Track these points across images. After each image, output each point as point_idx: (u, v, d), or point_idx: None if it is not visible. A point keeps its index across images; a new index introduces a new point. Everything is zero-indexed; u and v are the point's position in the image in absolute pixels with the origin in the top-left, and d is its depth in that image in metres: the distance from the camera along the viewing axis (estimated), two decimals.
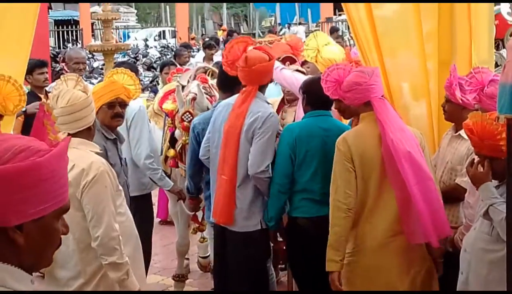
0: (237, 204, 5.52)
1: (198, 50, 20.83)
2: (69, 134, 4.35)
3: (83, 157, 4.34)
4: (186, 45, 16.51)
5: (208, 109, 6.39)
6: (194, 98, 6.54)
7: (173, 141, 6.82)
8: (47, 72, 8.01)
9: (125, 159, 5.68)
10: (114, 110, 5.45)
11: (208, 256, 7.71)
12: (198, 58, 13.21)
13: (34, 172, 1.84)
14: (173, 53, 13.97)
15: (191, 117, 6.44)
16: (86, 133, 4.49)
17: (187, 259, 7.72)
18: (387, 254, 4.70)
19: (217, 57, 12.99)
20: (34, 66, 7.51)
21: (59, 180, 1.92)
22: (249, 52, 5.57)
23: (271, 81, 5.91)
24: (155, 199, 9.88)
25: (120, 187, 4.65)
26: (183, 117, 6.52)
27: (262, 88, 5.63)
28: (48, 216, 1.91)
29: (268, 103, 5.70)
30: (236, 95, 5.68)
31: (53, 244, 1.98)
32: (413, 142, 4.64)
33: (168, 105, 6.90)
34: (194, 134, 6.07)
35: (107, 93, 5.41)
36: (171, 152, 6.84)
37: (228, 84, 5.95)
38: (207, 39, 20.14)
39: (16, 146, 1.84)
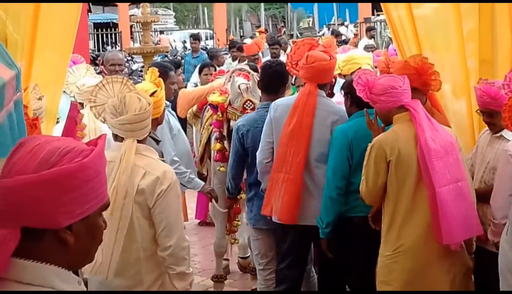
0: (311, 200, 5.52)
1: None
2: (138, 141, 4.27)
3: (154, 165, 4.29)
4: (235, 43, 16.50)
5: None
6: (248, 88, 6.58)
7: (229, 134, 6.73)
8: None
9: None
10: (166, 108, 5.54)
11: (248, 256, 7.72)
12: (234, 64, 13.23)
13: (81, 173, 1.86)
14: (209, 55, 13.97)
15: (253, 105, 6.45)
16: (147, 139, 4.47)
17: (227, 259, 7.74)
18: (427, 255, 4.68)
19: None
20: None
21: (102, 179, 1.95)
22: (311, 51, 5.66)
23: (332, 82, 5.88)
24: (194, 200, 9.96)
25: None
26: (245, 106, 6.51)
27: (322, 88, 5.64)
28: (93, 214, 1.94)
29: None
30: (292, 96, 5.76)
31: (98, 240, 2.01)
32: (447, 142, 4.63)
33: (216, 98, 6.83)
34: (238, 136, 6.08)
35: (164, 94, 5.42)
36: (217, 146, 6.81)
37: (272, 86, 5.97)
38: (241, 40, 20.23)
39: (60, 148, 1.87)
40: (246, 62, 12.18)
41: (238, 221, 7.26)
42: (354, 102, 5.34)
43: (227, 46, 19.78)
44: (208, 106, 7.16)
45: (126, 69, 11.09)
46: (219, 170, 6.93)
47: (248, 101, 6.52)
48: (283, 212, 5.56)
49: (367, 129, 5.07)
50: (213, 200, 7.04)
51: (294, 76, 6.99)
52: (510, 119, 4.38)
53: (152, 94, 5.30)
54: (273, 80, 5.98)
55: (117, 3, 38.71)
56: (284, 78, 6.17)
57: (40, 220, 1.83)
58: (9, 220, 1.81)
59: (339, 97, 6.01)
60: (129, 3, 37.45)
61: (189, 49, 22.99)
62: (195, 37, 17.50)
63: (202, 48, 26.30)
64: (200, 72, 10.11)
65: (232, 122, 6.60)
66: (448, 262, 4.69)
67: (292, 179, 5.51)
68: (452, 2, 5.33)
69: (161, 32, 38.74)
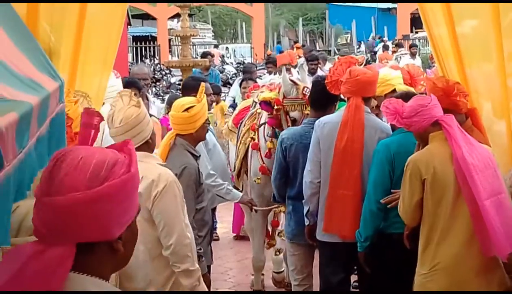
0: None
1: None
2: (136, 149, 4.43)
3: (151, 169, 4.45)
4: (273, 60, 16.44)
5: None
6: (297, 79, 6.70)
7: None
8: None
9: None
10: (207, 125, 5.66)
11: (283, 271, 7.71)
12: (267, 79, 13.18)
13: (130, 183, 1.90)
14: (243, 70, 13.93)
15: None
16: (145, 147, 4.57)
17: (262, 274, 7.74)
18: (464, 274, 4.63)
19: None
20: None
21: (137, 187, 2.00)
22: (352, 67, 5.65)
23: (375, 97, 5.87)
24: (230, 214, 9.97)
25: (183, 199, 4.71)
26: (304, 92, 6.49)
27: (366, 103, 5.64)
28: (134, 219, 1.99)
29: None
30: (337, 113, 5.72)
31: (136, 241, 2.05)
32: (484, 155, 4.60)
33: (268, 94, 6.77)
34: (282, 148, 6.09)
35: (206, 110, 5.55)
36: (269, 144, 6.78)
37: (321, 102, 5.96)
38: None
39: (105, 161, 1.88)
40: (277, 75, 12.22)
41: (280, 232, 7.24)
42: None
43: (265, 61, 19.79)
44: (244, 121, 7.18)
45: (149, 82, 11.13)
46: (255, 181, 6.92)
47: (305, 88, 6.52)
48: (347, 229, 5.55)
49: (409, 144, 5.06)
50: (251, 213, 7.05)
51: None
52: None
53: (186, 109, 5.37)
54: (322, 97, 5.96)
55: (156, 16, 39.05)
56: (333, 95, 6.01)
57: (96, 234, 1.85)
58: (65, 237, 1.82)
59: None
60: (168, 17, 37.74)
61: (227, 63, 23.09)
62: (205, 54, 17.00)
63: (240, 63, 26.30)
64: (240, 86, 10.20)
65: (291, 113, 6.55)
66: (486, 281, 4.64)
67: (351, 195, 5.52)
68: (490, 1, 5.28)
69: (216, 46, 38.91)
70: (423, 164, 4.67)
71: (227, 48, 39.32)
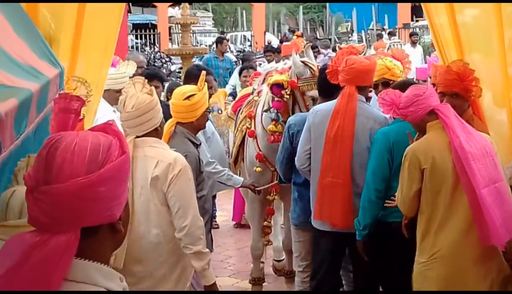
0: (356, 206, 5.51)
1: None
2: (137, 136, 4.55)
3: (165, 153, 4.59)
4: (272, 48, 16.33)
5: None
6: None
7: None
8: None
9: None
10: (208, 114, 5.70)
11: (283, 259, 7.72)
12: (267, 66, 13.07)
13: (126, 163, 1.90)
14: (242, 58, 13.85)
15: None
16: (154, 134, 4.65)
17: (262, 262, 7.74)
18: (463, 262, 4.63)
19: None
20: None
21: (126, 179, 1.97)
22: (350, 56, 5.68)
23: (371, 87, 5.88)
24: (230, 202, 9.98)
25: None
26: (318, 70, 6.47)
27: (362, 92, 5.65)
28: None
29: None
30: (332, 101, 5.70)
31: (129, 220, 2.06)
32: (482, 144, 4.58)
33: (280, 77, 6.68)
34: (289, 134, 6.10)
35: (207, 99, 5.58)
36: (272, 127, 6.69)
37: (328, 89, 5.94)
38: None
39: (100, 144, 1.86)
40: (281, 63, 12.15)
41: (270, 222, 7.26)
42: None
43: (263, 49, 19.71)
44: (242, 108, 7.18)
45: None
46: (255, 170, 6.91)
47: (318, 66, 6.56)
48: (338, 218, 5.58)
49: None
50: (251, 198, 7.05)
51: None
52: None
53: (187, 98, 5.38)
54: (329, 84, 5.93)
55: (156, 4, 38.97)
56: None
57: (99, 218, 1.85)
58: (69, 224, 1.81)
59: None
60: (169, 5, 37.67)
61: (227, 51, 23.01)
62: (221, 39, 16.55)
63: (240, 51, 26.20)
64: (239, 74, 10.15)
65: (309, 93, 6.51)
66: (484, 269, 4.65)
67: (341, 183, 5.53)
68: (493, 1, 5.29)
69: (222, 32, 38.79)
70: (422, 153, 4.66)
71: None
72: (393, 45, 17.49)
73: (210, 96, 7.50)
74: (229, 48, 28.01)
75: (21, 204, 2.57)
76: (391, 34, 26.36)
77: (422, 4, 5.84)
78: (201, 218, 4.61)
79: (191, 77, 7.03)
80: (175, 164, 4.52)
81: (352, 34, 38.31)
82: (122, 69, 6.79)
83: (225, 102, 9.38)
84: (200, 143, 5.66)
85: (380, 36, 25.87)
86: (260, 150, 6.87)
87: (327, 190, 5.58)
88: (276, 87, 6.62)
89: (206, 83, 5.64)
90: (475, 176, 4.46)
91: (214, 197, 8.05)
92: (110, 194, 1.84)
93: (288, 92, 6.55)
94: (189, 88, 5.65)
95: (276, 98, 6.62)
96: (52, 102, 3.03)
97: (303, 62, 6.60)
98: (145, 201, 4.51)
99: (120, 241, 1.99)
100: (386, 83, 5.94)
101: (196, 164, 5.31)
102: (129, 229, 4.19)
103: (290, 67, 6.71)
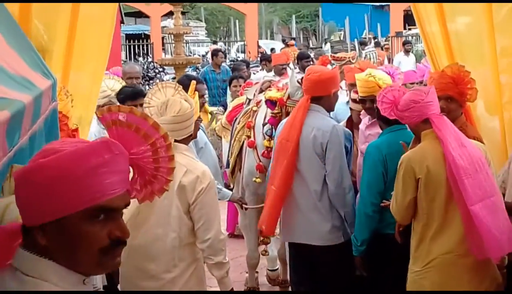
0: (318, 218, 5.58)
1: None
2: (175, 140, 4.62)
3: (195, 164, 4.74)
4: (245, 61, 16.42)
5: None
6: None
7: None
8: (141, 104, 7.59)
9: None
10: (199, 123, 5.69)
11: (277, 269, 7.71)
12: (259, 76, 12.98)
13: (42, 172, 1.88)
14: (232, 68, 13.81)
15: None
16: (187, 141, 4.87)
17: (256, 272, 7.73)
18: (457, 272, 4.63)
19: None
20: (126, 98, 6.70)
21: (80, 181, 1.90)
22: (312, 66, 5.72)
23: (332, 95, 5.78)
24: (224, 212, 9.96)
25: None
26: None
27: (319, 101, 5.65)
28: (72, 217, 1.91)
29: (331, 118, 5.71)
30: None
31: (87, 247, 1.95)
32: (476, 158, 4.55)
33: (275, 94, 6.71)
34: None
35: (197, 108, 5.59)
36: (267, 143, 6.74)
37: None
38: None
39: (42, 149, 1.95)
40: (272, 72, 12.14)
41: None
42: (383, 117, 5.30)
43: (258, 58, 19.70)
44: (239, 118, 7.16)
45: (141, 80, 11.07)
46: (255, 181, 6.90)
47: None
48: (263, 222, 5.79)
49: (399, 144, 5.03)
50: (243, 210, 7.04)
51: None
52: None
53: None
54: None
55: (149, 14, 38.99)
56: None
57: (23, 217, 1.92)
58: None
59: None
60: (162, 15, 37.70)
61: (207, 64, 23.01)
62: (216, 51, 16.24)
63: (233, 60, 26.19)
64: (229, 84, 10.15)
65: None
66: (478, 277, 4.64)
67: (277, 192, 5.65)
68: (484, 1, 5.30)
69: (215, 42, 38.80)
70: (417, 163, 4.65)
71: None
72: (368, 55, 17.48)
73: (202, 105, 7.50)
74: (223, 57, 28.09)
75: (1, 215, 2.57)
76: (362, 43, 26.35)
77: (413, 12, 5.85)
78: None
79: (183, 87, 7.01)
80: (204, 178, 4.65)
81: (343, 41, 38.37)
82: (108, 84, 6.75)
83: (216, 112, 9.42)
84: None
85: (377, 45, 25.85)
86: (260, 161, 6.88)
87: (268, 197, 5.75)
88: (270, 103, 6.69)
89: (197, 92, 5.66)
90: (467, 192, 4.45)
91: None
92: (26, 196, 1.90)
93: (277, 111, 6.61)
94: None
95: (271, 114, 6.66)
96: (45, 113, 3.04)
97: (299, 83, 6.61)
98: (168, 205, 4.61)
99: (62, 256, 1.95)
100: (374, 101, 5.83)
101: None
102: (146, 228, 4.54)
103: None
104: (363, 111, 6.16)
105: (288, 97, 6.51)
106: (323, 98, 5.67)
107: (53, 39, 4.92)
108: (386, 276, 5.39)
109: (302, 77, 6.17)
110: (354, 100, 6.23)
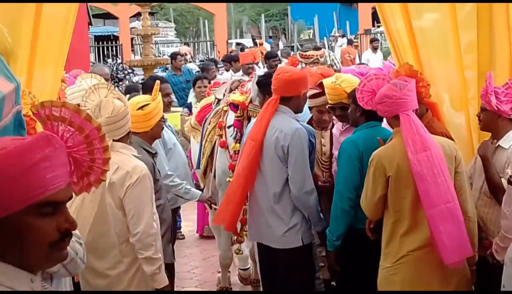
0: (274, 220, 5.58)
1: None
2: (113, 140, 4.73)
3: (127, 160, 4.77)
4: (214, 60, 16.45)
5: None
6: None
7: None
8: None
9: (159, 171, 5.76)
10: (163, 123, 5.77)
11: (249, 268, 7.71)
12: (226, 76, 12.94)
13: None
14: (200, 68, 13.79)
15: None
16: (126, 138, 4.90)
17: (229, 271, 7.73)
18: (427, 268, 4.67)
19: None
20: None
21: (22, 178, 1.89)
22: (283, 66, 5.71)
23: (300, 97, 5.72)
24: (195, 212, 9.96)
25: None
26: None
27: (287, 102, 5.62)
28: (18, 214, 1.90)
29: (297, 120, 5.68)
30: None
31: (37, 242, 1.94)
32: (437, 162, 4.57)
33: (238, 97, 6.76)
34: None
35: (161, 108, 5.66)
36: (237, 146, 6.68)
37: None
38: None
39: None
40: (241, 72, 12.15)
41: (246, 231, 7.24)
42: (364, 113, 5.29)
43: (220, 59, 19.62)
44: (209, 118, 7.15)
45: (110, 82, 11.07)
46: (228, 181, 6.89)
47: None
48: (224, 219, 5.91)
49: (375, 140, 5.02)
50: (212, 210, 7.03)
51: None
52: None
53: (141, 108, 5.41)
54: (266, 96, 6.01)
55: (118, 16, 38.81)
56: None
57: None
58: None
59: None
60: (130, 16, 37.54)
61: (190, 61, 22.94)
62: (174, 55, 15.55)
63: (202, 60, 26.13)
64: (193, 85, 10.12)
65: (253, 120, 6.51)
66: (448, 274, 4.68)
67: (238, 190, 5.72)
68: (448, 2, 5.34)
69: (186, 44, 38.68)
70: (387, 160, 4.67)
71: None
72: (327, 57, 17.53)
73: (169, 104, 7.48)
74: (191, 58, 28.01)
75: None
76: (350, 42, 26.38)
77: (378, 10, 5.86)
78: (154, 226, 4.74)
79: (148, 88, 6.99)
80: (133, 172, 4.70)
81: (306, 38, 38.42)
82: (84, 83, 6.72)
83: (181, 114, 9.41)
84: (156, 153, 5.67)
85: (350, 43, 25.90)
86: (232, 161, 6.88)
87: (227, 193, 5.85)
88: (233, 106, 6.73)
89: (160, 92, 5.67)
90: (424, 197, 4.52)
91: (178, 207, 8.02)
92: None
93: (239, 114, 6.63)
94: (143, 98, 5.70)
95: (235, 117, 6.69)
96: (8, 117, 3.01)
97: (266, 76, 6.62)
98: (102, 203, 4.70)
99: (11, 252, 1.94)
100: (344, 108, 5.76)
101: (151, 172, 5.31)
102: (92, 225, 4.59)
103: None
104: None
105: (250, 102, 6.54)
106: (292, 99, 5.63)
107: (18, 42, 4.88)
108: (361, 272, 5.35)
109: (266, 73, 6.20)
110: (311, 97, 6.13)
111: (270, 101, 5.64)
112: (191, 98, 11.38)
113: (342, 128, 5.96)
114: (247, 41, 30.88)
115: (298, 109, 5.72)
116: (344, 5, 44.09)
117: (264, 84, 5.99)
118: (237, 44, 16.42)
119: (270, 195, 5.58)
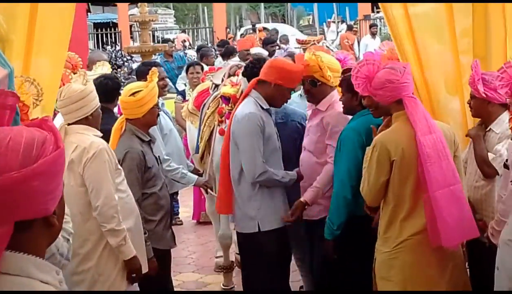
0: (236, 203, 5.63)
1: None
2: (68, 124, 4.90)
3: (84, 139, 4.88)
4: (224, 42, 16.39)
5: None
6: None
7: None
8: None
9: (159, 157, 5.75)
10: (158, 110, 5.71)
11: None
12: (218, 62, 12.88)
13: (61, 158, 1.91)
14: (199, 54, 13.78)
15: None
16: (85, 122, 4.95)
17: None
18: (427, 251, 4.66)
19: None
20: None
21: None
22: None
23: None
24: (190, 198, 9.99)
25: (119, 167, 5.06)
26: None
27: (261, 88, 5.56)
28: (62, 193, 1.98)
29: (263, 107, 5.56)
30: None
31: (64, 213, 2.05)
32: (441, 145, 4.58)
33: (228, 89, 6.76)
34: None
35: (155, 95, 5.57)
36: None
37: None
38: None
39: (35, 138, 1.87)
40: (237, 58, 12.11)
41: None
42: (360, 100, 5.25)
43: (215, 45, 19.58)
44: (208, 103, 7.16)
45: (126, 69, 11.08)
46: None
47: None
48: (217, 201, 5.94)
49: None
50: (209, 195, 7.05)
51: None
52: None
53: (133, 94, 5.41)
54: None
55: (117, 3, 38.72)
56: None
57: (33, 211, 1.86)
58: (2, 218, 1.82)
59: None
60: (129, 3, 37.45)
61: (189, 48, 22.88)
62: (165, 41, 16.18)
63: (200, 47, 26.12)
64: (186, 71, 10.11)
65: None
66: (445, 256, 4.68)
67: (222, 172, 5.75)
68: (447, 2, 5.36)
69: (184, 31, 38.59)
70: (392, 144, 4.63)
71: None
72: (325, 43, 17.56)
73: (165, 86, 7.47)
74: (190, 44, 27.97)
75: None
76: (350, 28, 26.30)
77: None
78: (115, 198, 4.84)
79: (141, 75, 6.99)
80: (90, 148, 4.81)
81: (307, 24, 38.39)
82: (98, 71, 6.83)
83: (175, 101, 9.39)
84: (151, 140, 5.62)
85: (350, 28, 25.85)
86: None
87: (219, 177, 5.88)
88: (224, 98, 6.76)
89: (158, 78, 5.68)
90: (430, 179, 4.49)
91: (176, 193, 8.05)
92: (44, 188, 1.84)
93: (230, 107, 6.62)
94: (136, 85, 5.68)
95: (227, 110, 6.71)
96: None
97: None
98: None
99: (55, 235, 1.99)
100: (313, 83, 5.67)
101: (139, 159, 5.36)
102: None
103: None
104: (308, 104, 6.05)
105: (241, 94, 6.53)
106: (265, 84, 5.52)
107: (14, 28, 4.88)
108: (361, 259, 5.26)
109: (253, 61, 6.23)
110: None
111: (250, 84, 5.64)
112: (180, 85, 11.35)
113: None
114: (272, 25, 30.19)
115: (271, 99, 5.57)
116: None
117: (250, 73, 5.94)
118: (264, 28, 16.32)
119: (234, 179, 5.58)
